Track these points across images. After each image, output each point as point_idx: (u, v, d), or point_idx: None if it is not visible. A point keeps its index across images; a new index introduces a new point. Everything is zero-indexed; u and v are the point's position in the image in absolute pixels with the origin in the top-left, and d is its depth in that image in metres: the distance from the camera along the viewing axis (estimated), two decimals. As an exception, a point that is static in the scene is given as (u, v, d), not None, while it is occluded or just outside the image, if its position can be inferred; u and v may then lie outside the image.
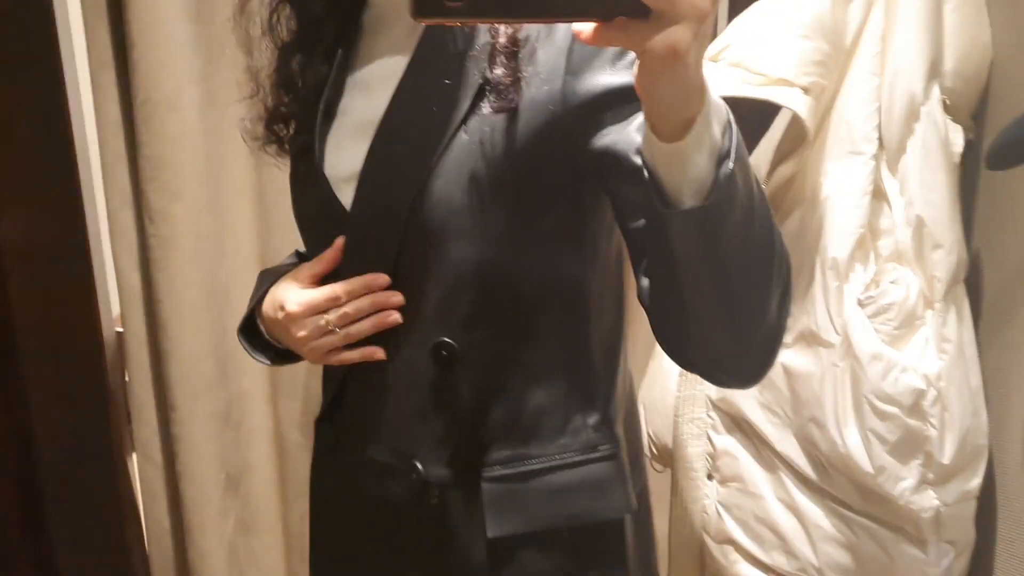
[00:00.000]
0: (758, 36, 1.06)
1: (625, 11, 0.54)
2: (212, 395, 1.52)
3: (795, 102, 1.04)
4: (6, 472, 1.60)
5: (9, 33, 1.38)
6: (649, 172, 0.68)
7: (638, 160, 0.75)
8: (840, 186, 1.09)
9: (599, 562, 0.95)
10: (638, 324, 1.66)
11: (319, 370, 1.06)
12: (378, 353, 0.94)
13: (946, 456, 1.07)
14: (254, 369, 1.54)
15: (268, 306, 1.02)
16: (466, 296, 0.90)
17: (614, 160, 0.80)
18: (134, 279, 1.48)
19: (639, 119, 0.78)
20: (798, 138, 1.09)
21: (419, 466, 0.94)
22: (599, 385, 0.96)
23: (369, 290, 0.93)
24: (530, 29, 0.82)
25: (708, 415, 1.26)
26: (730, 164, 0.65)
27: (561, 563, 0.94)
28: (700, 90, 0.63)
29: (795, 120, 1.06)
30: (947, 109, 1.08)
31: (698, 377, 1.26)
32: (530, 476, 0.94)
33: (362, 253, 0.94)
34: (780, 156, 1.12)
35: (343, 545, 1.07)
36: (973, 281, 1.13)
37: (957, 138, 1.09)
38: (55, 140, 1.43)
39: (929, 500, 1.08)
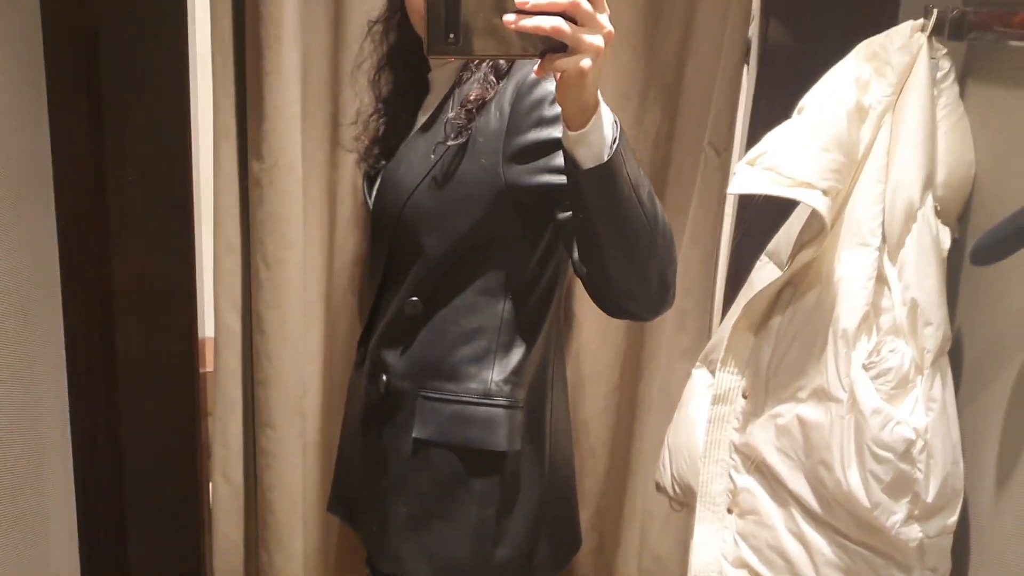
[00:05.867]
0: (788, 146, 1.30)
1: (553, 48, 0.92)
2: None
3: (816, 201, 1.27)
4: (97, 482, 1.79)
5: (147, 100, 1.62)
6: (565, 152, 1.07)
7: (560, 177, 1.17)
8: (850, 271, 1.31)
9: (480, 477, 1.37)
10: (662, 382, 1.89)
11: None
12: None
13: (930, 496, 1.27)
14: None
15: None
16: (430, 274, 1.35)
17: (547, 187, 1.21)
18: (232, 320, 1.70)
19: (556, 158, 1.20)
20: (816, 230, 1.32)
21: (384, 378, 1.41)
22: (510, 357, 1.39)
23: None
24: (489, 94, 1.29)
25: (731, 457, 1.47)
26: (616, 144, 1.04)
27: (455, 468, 1.37)
28: (595, 99, 1.01)
29: (815, 216, 1.30)
30: (938, 213, 1.33)
31: (723, 423, 1.49)
32: (446, 403, 1.37)
33: (376, 239, 1.46)
34: (801, 244, 1.35)
35: (347, 424, 1.58)
36: (955, 354, 1.36)
37: (945, 237, 1.33)
38: (176, 194, 1.67)
39: (915, 532, 1.29)
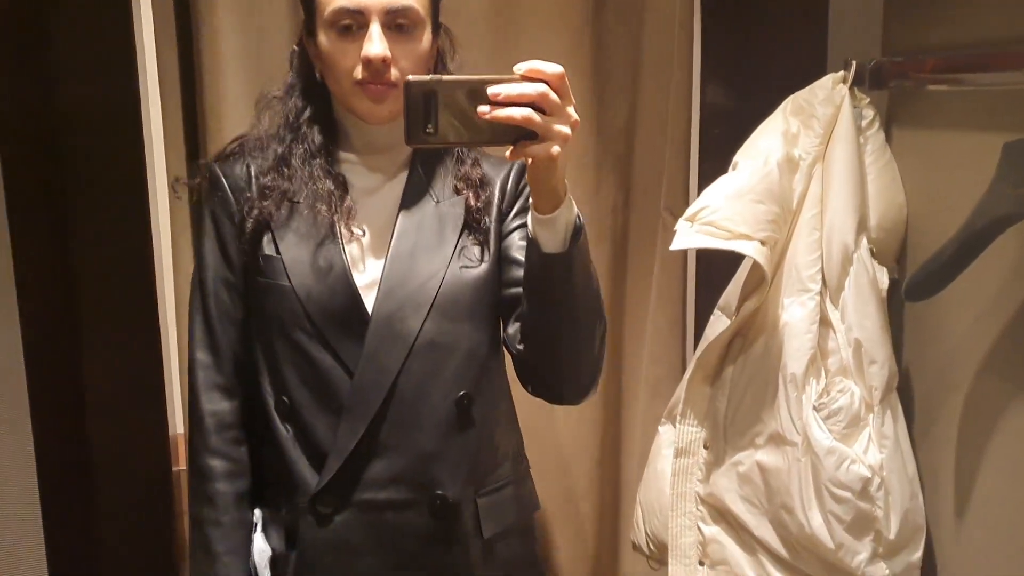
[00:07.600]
0: (724, 201, 1.35)
1: (525, 136, 0.97)
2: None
3: (754, 252, 1.31)
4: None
5: (109, 202, 1.66)
6: (531, 235, 1.11)
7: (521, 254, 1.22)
8: (794, 316, 1.35)
9: (528, 545, 1.40)
10: (641, 454, 1.90)
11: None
12: None
13: (892, 532, 1.29)
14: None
15: None
16: (474, 361, 1.29)
17: (512, 259, 1.26)
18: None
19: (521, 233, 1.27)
20: (758, 279, 1.37)
21: (439, 492, 1.27)
22: (517, 428, 1.41)
23: None
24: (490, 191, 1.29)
25: (697, 508, 1.49)
26: (580, 235, 1.09)
27: (515, 548, 1.36)
28: (564, 186, 1.06)
29: (755, 266, 1.35)
30: (874, 255, 1.37)
31: (687, 476, 1.50)
32: (499, 490, 1.34)
33: (384, 338, 1.24)
34: (745, 294, 1.39)
35: None
36: (906, 389, 1.39)
37: (883, 277, 1.37)
38: (142, 294, 1.70)
39: (881, 571, 1.30)
